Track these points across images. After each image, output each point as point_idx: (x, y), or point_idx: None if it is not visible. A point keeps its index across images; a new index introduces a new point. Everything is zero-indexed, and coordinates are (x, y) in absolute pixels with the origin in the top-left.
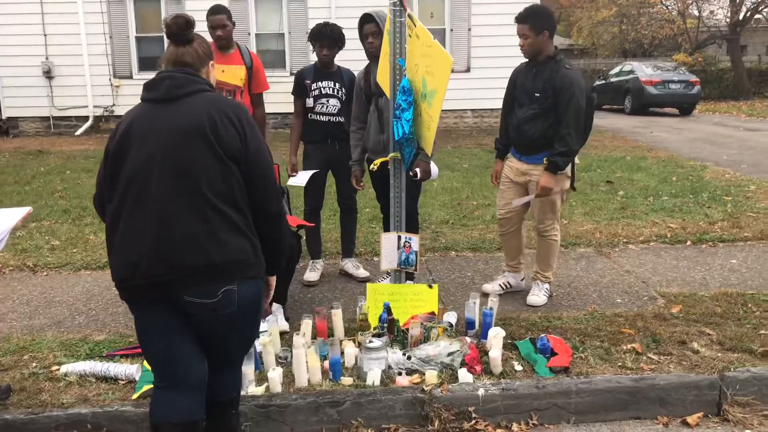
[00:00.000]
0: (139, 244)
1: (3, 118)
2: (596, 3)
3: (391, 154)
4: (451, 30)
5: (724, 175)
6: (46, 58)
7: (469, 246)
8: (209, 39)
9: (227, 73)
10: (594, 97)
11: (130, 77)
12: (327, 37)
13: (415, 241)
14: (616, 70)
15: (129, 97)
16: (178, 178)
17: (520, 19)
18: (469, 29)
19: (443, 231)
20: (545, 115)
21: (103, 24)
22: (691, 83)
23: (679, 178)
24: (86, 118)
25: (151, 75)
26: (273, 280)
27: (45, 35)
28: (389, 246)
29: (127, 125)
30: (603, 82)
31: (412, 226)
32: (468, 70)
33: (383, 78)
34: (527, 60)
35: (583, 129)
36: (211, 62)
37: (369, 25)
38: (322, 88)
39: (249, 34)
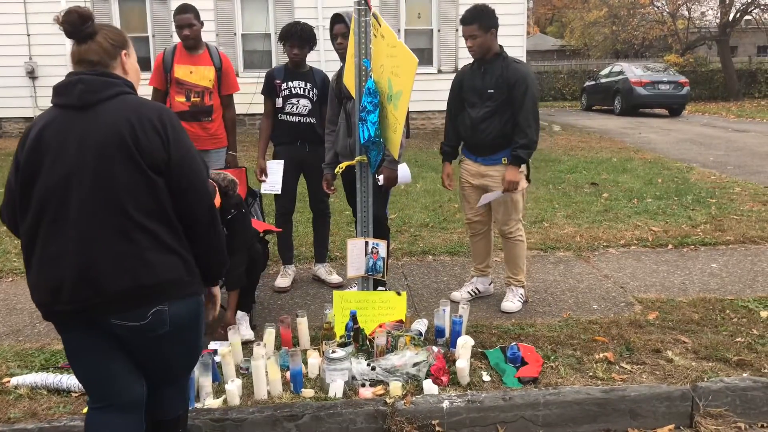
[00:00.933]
0: (59, 268)
1: None
2: (588, 4)
3: (357, 158)
4: (439, 30)
5: (709, 177)
6: (30, 58)
7: (447, 250)
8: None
9: (195, 74)
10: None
11: None
12: (297, 37)
13: (382, 247)
14: (606, 71)
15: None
16: (99, 198)
17: (467, 21)
18: (457, 30)
19: (422, 234)
20: (500, 111)
21: None
22: (681, 84)
23: (664, 180)
24: None
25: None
26: (217, 290)
27: (28, 35)
28: (356, 252)
29: (38, 133)
30: (593, 83)
31: (381, 232)
32: (456, 70)
33: (350, 79)
34: (472, 62)
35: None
36: (125, 51)
37: (339, 26)
38: (292, 88)
39: (235, 34)
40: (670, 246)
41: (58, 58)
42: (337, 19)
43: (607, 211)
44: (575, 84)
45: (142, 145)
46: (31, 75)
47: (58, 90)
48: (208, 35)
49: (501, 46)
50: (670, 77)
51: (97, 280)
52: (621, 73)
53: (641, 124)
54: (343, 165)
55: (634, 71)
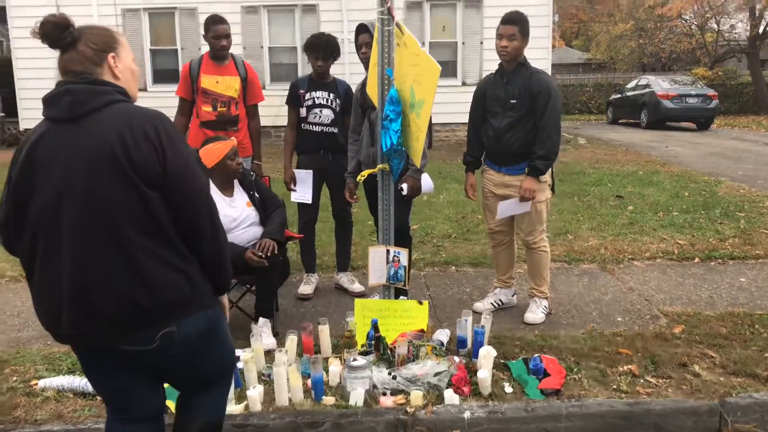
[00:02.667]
0: (57, 293)
1: (21, 129)
2: (614, 17)
3: (379, 166)
4: (463, 43)
5: (738, 191)
6: None
7: (469, 261)
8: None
9: (221, 84)
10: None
11: (145, 89)
12: (321, 48)
13: (404, 255)
14: (632, 84)
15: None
16: (91, 217)
17: (511, 21)
18: (481, 42)
19: (444, 245)
20: (523, 121)
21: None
22: (709, 97)
23: (691, 194)
24: None
25: (164, 87)
26: (225, 299)
27: None
28: (377, 260)
29: (29, 149)
30: (619, 96)
31: (403, 241)
32: None
33: (373, 88)
34: (495, 72)
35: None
36: (112, 54)
37: (363, 35)
38: (315, 98)
39: (262, 47)
40: (696, 260)
41: None
42: (362, 29)
43: (632, 224)
44: (601, 97)
45: (134, 158)
46: None
47: (47, 101)
48: (234, 48)
49: (524, 57)
50: (698, 90)
51: (93, 304)
52: (647, 86)
53: (668, 137)
54: (365, 173)
55: (660, 84)
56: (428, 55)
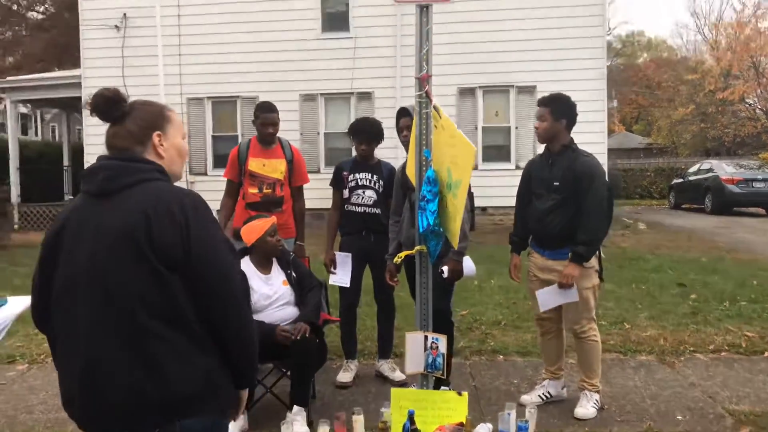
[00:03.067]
0: (70, 379)
1: None
2: (674, 102)
3: (417, 247)
4: (516, 128)
5: None
6: None
7: (518, 350)
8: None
9: (268, 167)
10: (613, 185)
11: (205, 174)
12: (365, 132)
13: (442, 342)
14: (695, 168)
15: (202, 192)
16: (106, 301)
17: (542, 102)
18: (535, 127)
19: (493, 333)
20: (567, 205)
21: (183, 124)
22: None
23: (760, 282)
24: None
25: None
26: (244, 393)
27: None
28: (414, 347)
29: (63, 221)
30: (681, 180)
31: (442, 326)
32: None
33: (411, 170)
34: (541, 153)
35: (606, 218)
36: (158, 132)
37: (404, 119)
38: (358, 180)
39: (318, 133)
40: (767, 354)
41: None
42: (403, 113)
43: (695, 314)
44: (662, 182)
45: (156, 239)
46: None
47: (84, 175)
48: (292, 134)
49: (572, 139)
50: (765, 175)
51: (103, 392)
52: (710, 170)
53: (735, 223)
54: (402, 254)
55: (724, 168)
56: (464, 137)
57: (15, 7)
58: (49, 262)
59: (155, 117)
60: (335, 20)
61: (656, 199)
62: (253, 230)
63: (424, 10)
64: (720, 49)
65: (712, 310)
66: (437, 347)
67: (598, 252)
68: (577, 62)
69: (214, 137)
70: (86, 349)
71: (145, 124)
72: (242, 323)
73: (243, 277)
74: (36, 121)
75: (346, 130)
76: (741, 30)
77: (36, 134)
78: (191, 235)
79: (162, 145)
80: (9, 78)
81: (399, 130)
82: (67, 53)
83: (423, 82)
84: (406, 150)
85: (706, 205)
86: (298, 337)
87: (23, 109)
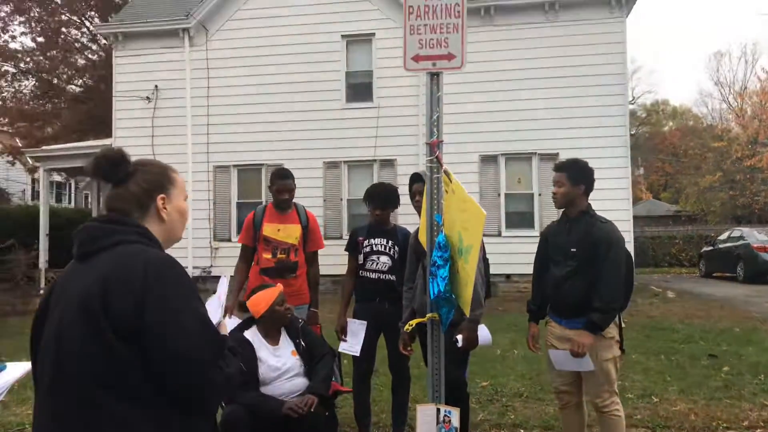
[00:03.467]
0: None
1: None
2: (701, 170)
3: (428, 315)
4: (540, 194)
5: None
6: None
7: (541, 424)
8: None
9: (283, 232)
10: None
11: (229, 240)
12: (379, 198)
13: (455, 415)
14: (725, 236)
15: (226, 258)
16: (62, 373)
17: (558, 167)
18: (553, 193)
19: (514, 405)
20: (583, 271)
21: (208, 191)
22: None
23: None
24: None
25: None
26: None
27: None
28: (426, 420)
29: (50, 289)
30: (711, 248)
31: (457, 398)
32: None
33: (423, 235)
34: (558, 219)
35: (624, 285)
36: (162, 195)
37: (417, 185)
38: (373, 245)
39: (341, 199)
40: None
41: None
42: (416, 178)
43: (727, 387)
44: (692, 249)
45: (111, 308)
46: None
47: (74, 237)
48: (316, 200)
49: (589, 205)
50: None
51: None
52: (741, 237)
53: None
54: (413, 322)
55: (756, 236)
56: (475, 201)
57: (55, 81)
58: (37, 326)
59: (160, 178)
60: (359, 90)
61: (685, 267)
62: (261, 301)
63: (434, 78)
64: (746, 117)
65: (746, 383)
66: (450, 421)
67: (618, 321)
68: (600, 129)
69: (239, 204)
70: (50, 417)
71: (148, 186)
72: (206, 394)
73: (247, 347)
74: (70, 189)
75: None
76: (766, 98)
77: (69, 202)
78: (146, 303)
79: (165, 208)
80: (43, 147)
81: (412, 196)
82: (103, 124)
83: (434, 147)
84: (419, 215)
85: (738, 273)
86: (305, 410)
87: (57, 177)
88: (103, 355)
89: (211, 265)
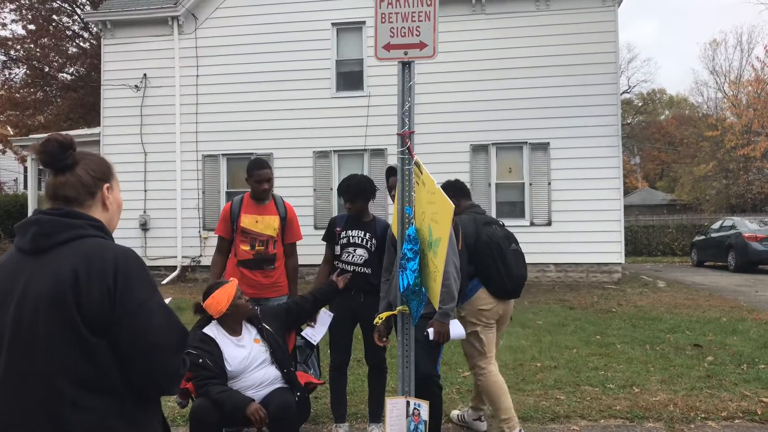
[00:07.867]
0: None
1: None
2: (696, 159)
3: (399, 308)
4: (531, 184)
5: None
6: (144, 212)
7: (520, 415)
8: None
9: (261, 224)
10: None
11: None
12: (347, 191)
13: (424, 408)
14: (717, 225)
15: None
16: (24, 367)
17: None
18: (549, 183)
19: None
20: None
21: (197, 180)
22: None
23: None
24: (174, 268)
25: None
26: None
27: (145, 191)
28: (395, 413)
29: None
30: (703, 237)
31: (427, 391)
32: (549, 223)
33: (395, 227)
34: None
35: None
36: (107, 185)
37: (393, 178)
38: (350, 237)
39: (331, 189)
40: None
41: (168, 212)
42: (392, 172)
43: (709, 377)
44: (685, 239)
45: (83, 301)
46: (144, 227)
47: (17, 230)
48: (305, 190)
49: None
50: None
51: None
52: (733, 227)
53: (759, 281)
54: (383, 315)
55: (747, 225)
56: (443, 193)
57: (47, 69)
58: None
59: (105, 168)
60: (349, 79)
61: (678, 256)
62: (221, 299)
63: (406, 67)
64: (741, 106)
65: (728, 373)
66: (419, 414)
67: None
68: (591, 119)
69: (228, 193)
70: (1, 413)
71: (96, 174)
72: (170, 383)
73: (210, 342)
74: None
75: None
76: (761, 87)
77: None
78: (117, 293)
79: (109, 197)
80: (31, 135)
81: (389, 189)
82: (94, 112)
83: (405, 138)
84: None
85: (729, 262)
86: (261, 426)
87: None
88: (76, 349)
89: (201, 255)
